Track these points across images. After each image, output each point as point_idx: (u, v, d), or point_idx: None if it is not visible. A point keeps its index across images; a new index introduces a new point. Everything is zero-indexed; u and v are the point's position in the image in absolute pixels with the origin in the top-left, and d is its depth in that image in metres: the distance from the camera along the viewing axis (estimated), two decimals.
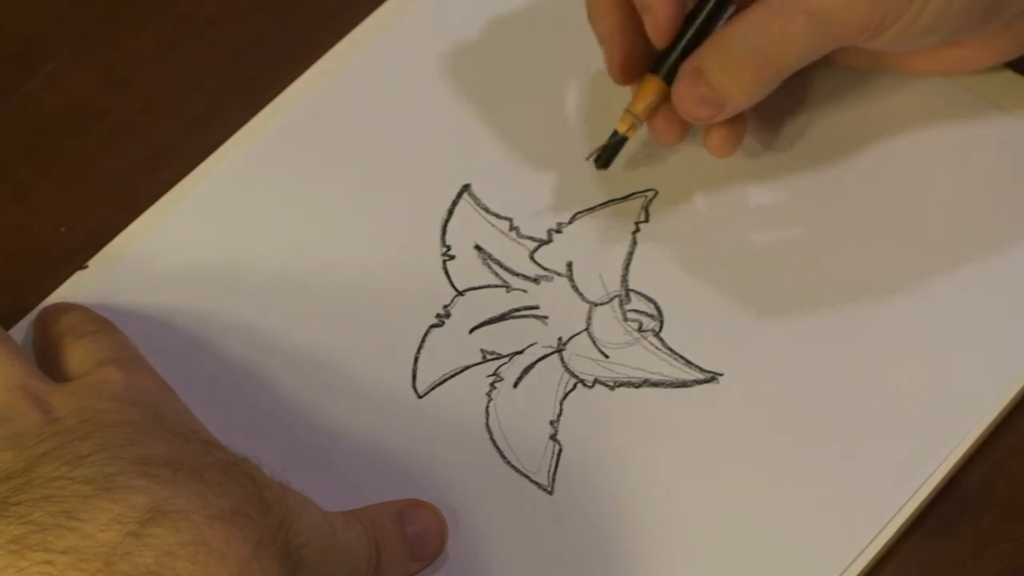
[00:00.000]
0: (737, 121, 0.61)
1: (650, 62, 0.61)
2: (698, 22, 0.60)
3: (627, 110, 0.61)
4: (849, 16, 0.57)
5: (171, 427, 0.52)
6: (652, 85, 0.61)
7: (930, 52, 0.62)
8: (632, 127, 0.61)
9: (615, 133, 0.62)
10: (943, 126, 0.64)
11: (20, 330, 0.61)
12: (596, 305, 0.62)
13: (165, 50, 0.69)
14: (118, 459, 0.48)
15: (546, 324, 0.62)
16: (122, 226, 0.64)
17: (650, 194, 0.64)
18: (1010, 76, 0.64)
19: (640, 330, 0.61)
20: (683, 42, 0.60)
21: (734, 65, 0.59)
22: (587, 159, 0.63)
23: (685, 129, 0.62)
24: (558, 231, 0.64)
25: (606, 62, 0.62)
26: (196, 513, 0.47)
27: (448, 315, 0.62)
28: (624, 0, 0.61)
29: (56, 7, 0.70)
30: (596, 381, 0.60)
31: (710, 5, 0.60)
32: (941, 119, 0.64)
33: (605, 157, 0.62)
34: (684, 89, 0.60)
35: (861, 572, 0.56)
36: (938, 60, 0.62)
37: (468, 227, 0.64)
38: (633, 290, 0.62)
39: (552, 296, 0.62)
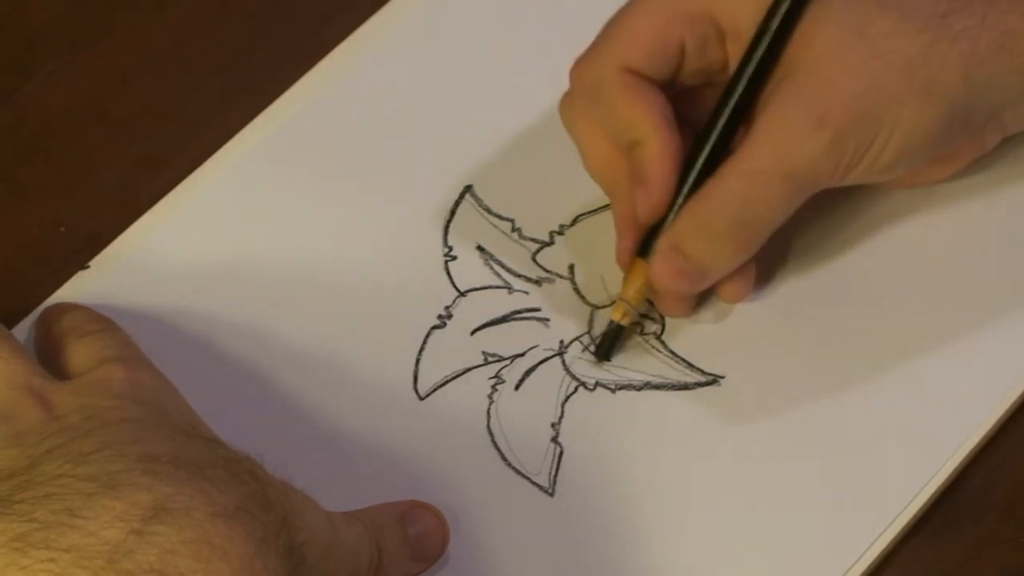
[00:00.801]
0: (745, 270, 0.60)
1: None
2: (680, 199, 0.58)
3: (620, 298, 0.60)
4: (819, 167, 0.56)
5: (174, 425, 0.52)
6: (641, 267, 0.59)
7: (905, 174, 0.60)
8: (626, 314, 0.60)
9: (611, 322, 0.60)
10: None
11: (22, 330, 0.61)
12: (598, 308, 0.62)
13: (165, 50, 0.69)
14: (121, 456, 0.48)
15: (548, 326, 0.62)
16: (122, 226, 0.64)
17: None
18: None
19: (642, 333, 0.61)
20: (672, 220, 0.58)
21: (718, 240, 0.57)
22: (593, 353, 0.61)
23: (692, 300, 0.61)
24: (560, 233, 0.63)
25: (617, 246, 0.60)
26: (199, 511, 0.47)
27: (450, 316, 0.62)
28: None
29: (56, 7, 0.70)
30: (597, 384, 0.60)
31: (688, 188, 0.58)
32: None
33: (606, 348, 0.60)
34: (662, 267, 0.58)
35: (864, 573, 0.56)
36: (912, 177, 0.61)
37: (470, 228, 0.63)
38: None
39: (554, 298, 0.62)
